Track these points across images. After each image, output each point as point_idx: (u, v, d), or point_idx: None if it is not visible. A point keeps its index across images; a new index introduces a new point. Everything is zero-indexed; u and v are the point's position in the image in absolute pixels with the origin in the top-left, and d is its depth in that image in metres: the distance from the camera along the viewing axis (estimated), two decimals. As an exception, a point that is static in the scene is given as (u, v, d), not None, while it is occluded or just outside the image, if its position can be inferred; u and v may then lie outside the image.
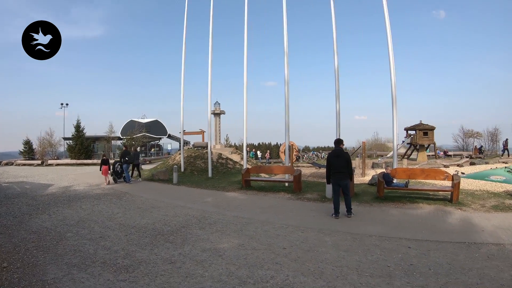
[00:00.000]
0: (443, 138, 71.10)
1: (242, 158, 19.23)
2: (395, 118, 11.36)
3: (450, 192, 9.75)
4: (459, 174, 16.45)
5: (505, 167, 18.01)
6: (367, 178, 15.16)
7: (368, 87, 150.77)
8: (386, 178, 10.45)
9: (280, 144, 24.41)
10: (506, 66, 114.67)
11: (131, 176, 16.72)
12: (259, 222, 7.84)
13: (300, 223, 7.67)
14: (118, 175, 16.03)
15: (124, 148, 18.44)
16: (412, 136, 30.36)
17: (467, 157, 29.75)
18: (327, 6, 12.82)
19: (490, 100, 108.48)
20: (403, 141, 31.75)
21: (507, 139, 31.92)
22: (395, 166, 11.60)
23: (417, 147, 29.91)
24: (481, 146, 38.68)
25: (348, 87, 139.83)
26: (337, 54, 12.40)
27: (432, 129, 29.60)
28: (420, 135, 29.45)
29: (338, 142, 8.67)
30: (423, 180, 12.56)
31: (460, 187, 11.85)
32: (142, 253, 5.65)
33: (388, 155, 29.73)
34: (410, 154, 31.53)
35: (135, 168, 17.29)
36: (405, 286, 4.37)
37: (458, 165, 22.04)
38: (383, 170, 13.11)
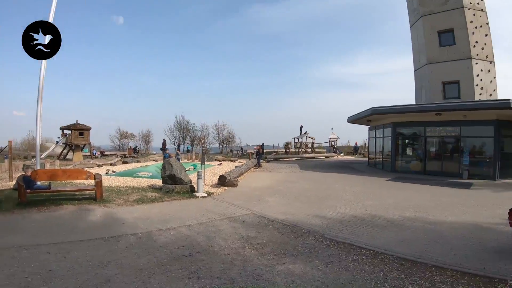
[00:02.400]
0: (101, 139, 73.52)
1: None
2: (39, 114, 10.77)
3: (94, 191, 10.29)
4: (110, 172, 17.72)
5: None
6: (13, 183, 13.55)
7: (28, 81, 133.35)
8: (26, 181, 9.70)
9: None
10: (160, 76, 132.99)
11: None
12: None
13: None
14: None
15: None
16: (67, 135, 29.69)
17: (121, 156, 32.69)
18: None
19: (144, 105, 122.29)
20: (57, 142, 30.99)
21: (164, 138, 37.91)
22: (38, 167, 10.97)
23: (73, 147, 29.53)
24: (136, 146, 43.57)
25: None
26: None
27: (88, 129, 30.13)
28: (75, 135, 29.24)
29: None
30: (72, 181, 12.57)
31: (109, 185, 12.79)
32: None
33: (42, 156, 27.69)
34: (66, 154, 30.73)
35: None
36: (43, 294, 4.23)
37: (111, 164, 23.54)
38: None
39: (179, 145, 41.80)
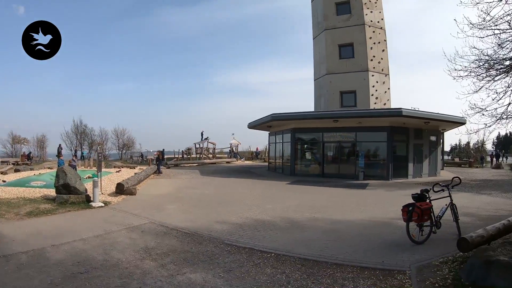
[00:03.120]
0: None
1: None
2: None
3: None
4: (0, 182, 15.98)
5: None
6: None
7: None
8: None
9: None
10: (59, 77, 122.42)
11: None
12: None
13: None
14: None
15: None
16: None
17: (13, 163, 29.91)
18: None
19: (39, 108, 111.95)
20: None
21: (60, 144, 34.90)
22: None
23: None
24: (30, 152, 40.08)
25: None
26: None
27: (-27, 132, 26.92)
28: (-39, 140, 25.95)
29: None
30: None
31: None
32: None
33: None
34: None
35: None
36: None
37: (1, 173, 21.45)
38: None
39: (76, 151, 39.22)
